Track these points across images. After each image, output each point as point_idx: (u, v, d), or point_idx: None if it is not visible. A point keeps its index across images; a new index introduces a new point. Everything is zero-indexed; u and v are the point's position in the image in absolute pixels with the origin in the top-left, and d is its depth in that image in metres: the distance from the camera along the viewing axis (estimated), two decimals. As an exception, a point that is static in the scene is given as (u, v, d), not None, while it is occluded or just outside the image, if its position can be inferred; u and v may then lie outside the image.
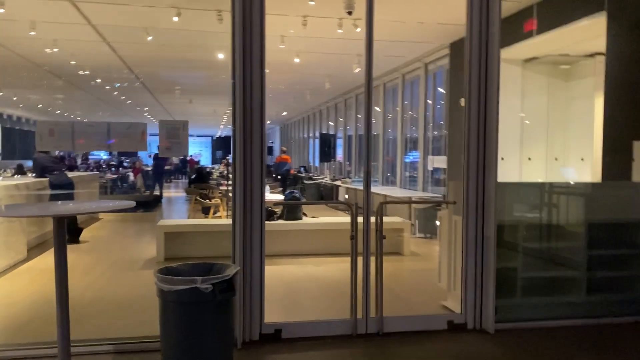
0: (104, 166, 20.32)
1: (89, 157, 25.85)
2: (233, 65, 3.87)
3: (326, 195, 15.34)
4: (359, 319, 4.16)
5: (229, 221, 7.84)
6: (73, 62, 10.51)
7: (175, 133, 3.78)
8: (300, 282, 6.09)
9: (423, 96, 10.71)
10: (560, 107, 8.26)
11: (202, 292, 3.11)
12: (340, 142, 16.79)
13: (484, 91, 4.27)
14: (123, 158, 32.08)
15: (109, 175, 16.55)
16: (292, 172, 19.52)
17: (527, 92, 8.22)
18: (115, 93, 15.22)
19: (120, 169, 19.85)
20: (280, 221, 7.41)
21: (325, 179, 15.09)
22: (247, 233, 3.96)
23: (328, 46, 9.51)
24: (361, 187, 11.78)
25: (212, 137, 39.32)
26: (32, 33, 8.14)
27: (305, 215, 7.79)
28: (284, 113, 20.30)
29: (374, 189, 11.28)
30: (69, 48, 9.55)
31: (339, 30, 7.75)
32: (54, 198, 8.04)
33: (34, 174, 8.36)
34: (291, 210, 7.47)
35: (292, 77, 12.70)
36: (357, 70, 10.31)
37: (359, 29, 7.78)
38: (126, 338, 3.86)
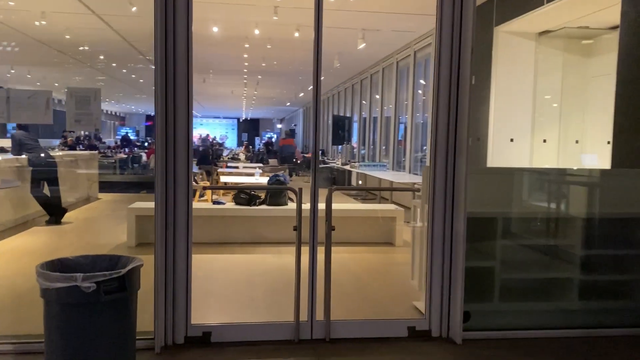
0: (113, 145, 20.24)
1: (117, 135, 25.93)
2: (155, 29, 3.33)
3: (338, 180, 14.76)
4: (302, 322, 3.62)
5: (209, 205, 7.45)
6: (68, 37, 10.17)
7: (84, 103, 3.29)
8: (255, 275, 5.46)
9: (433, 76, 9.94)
10: (579, 85, 7.43)
11: (84, 292, 2.62)
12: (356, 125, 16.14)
13: (456, 54, 3.62)
14: (149, 139, 32.25)
15: (121, 155, 16.38)
16: (298, 154, 18.99)
17: (542, 68, 7.42)
18: (124, 71, 14.91)
19: (136, 149, 19.72)
20: (263, 207, 6.90)
21: (337, 163, 14.49)
22: (169, 218, 3.45)
23: (327, 19, 8.85)
24: (370, 172, 11.17)
25: (238, 119, 39.08)
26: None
27: (291, 200, 7.25)
28: (301, 94, 19.67)
29: (381, 174, 10.66)
30: (62, 21, 9.20)
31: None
32: (35, 178, 7.75)
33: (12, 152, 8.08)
34: (275, 195, 6.94)
35: (298, 55, 12.09)
36: (362, 45, 9.65)
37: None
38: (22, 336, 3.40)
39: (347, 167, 12.93)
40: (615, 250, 4.09)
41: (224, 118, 39.13)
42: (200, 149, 18.20)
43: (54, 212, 7.85)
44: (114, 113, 38.60)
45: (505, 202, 4.05)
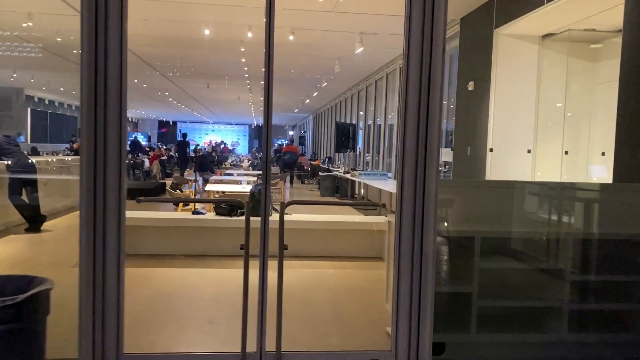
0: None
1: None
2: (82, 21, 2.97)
3: (343, 189, 14.36)
4: (250, 353, 3.22)
5: (189, 215, 7.10)
6: (59, 39, 9.97)
7: (4, 104, 2.94)
8: (222, 293, 4.99)
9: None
10: (586, 92, 6.95)
11: (-30, 320, 2.27)
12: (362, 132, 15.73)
13: (428, 51, 3.21)
14: (159, 144, 32.21)
15: (122, 161, 16.17)
16: (302, 161, 18.60)
17: (546, 74, 6.95)
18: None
19: (140, 154, 19.53)
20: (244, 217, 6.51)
21: (340, 171, 14.09)
22: (98, 230, 3.08)
23: (323, 22, 8.52)
24: (370, 181, 10.75)
25: (249, 125, 38.91)
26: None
27: (275, 210, 6.86)
28: (307, 101, 19.36)
29: (381, 183, 10.23)
30: (52, 23, 9.00)
31: (320, 0, 6.74)
32: (13, 183, 7.49)
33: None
34: (257, 205, 6.55)
35: (298, 61, 11.77)
36: (360, 49, 9.27)
37: (342, -1, 6.77)
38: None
39: (349, 176, 12.54)
40: (613, 275, 3.63)
41: (236, 124, 39.01)
42: (199, 154, 17.94)
43: (33, 219, 7.57)
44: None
45: (490, 220, 3.62)
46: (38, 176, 7.95)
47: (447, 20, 8.40)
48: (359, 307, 4.74)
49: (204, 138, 37.95)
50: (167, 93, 19.58)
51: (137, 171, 16.29)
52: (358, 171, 11.70)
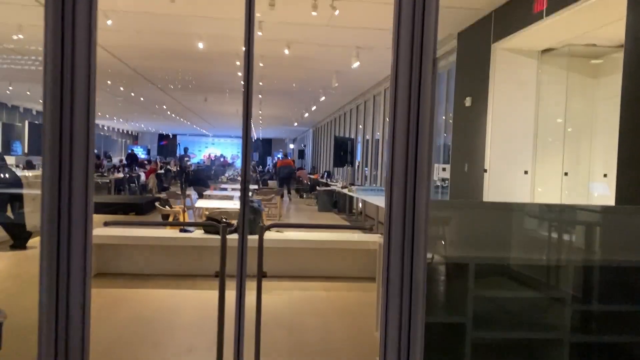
0: (116, 165, 19.89)
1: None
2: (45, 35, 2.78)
3: (341, 204, 14.16)
4: (225, 386, 2.99)
5: (176, 233, 6.88)
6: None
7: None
8: (206, 318, 4.72)
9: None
10: (586, 108, 6.77)
11: None
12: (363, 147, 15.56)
13: (417, 63, 3.01)
14: (158, 157, 32.08)
15: (117, 175, 15.97)
16: (301, 175, 18.40)
17: (545, 89, 6.77)
18: (122, 89, 14.60)
19: (137, 168, 19.37)
20: (234, 236, 6.30)
21: (338, 186, 13.90)
22: (62, 250, 2.86)
23: (319, 36, 8.38)
24: (366, 197, 10.52)
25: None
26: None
27: (267, 228, 6.65)
28: (306, 115, 19.22)
29: (378, 200, 10.02)
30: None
31: (314, 13, 6.58)
32: (-3, 197, 7.30)
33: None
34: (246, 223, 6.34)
35: (295, 74, 11.64)
36: (356, 64, 9.12)
37: (337, 12, 6.62)
38: None
39: (346, 191, 12.34)
40: (620, 304, 3.41)
41: (236, 138, 38.86)
42: (189, 169, 17.77)
43: (18, 236, 7.37)
44: (125, 131, 38.69)
45: (487, 244, 3.41)
46: (25, 191, 7.76)
47: (445, 35, 8.24)
48: (349, 335, 4.50)
49: (203, 151, 37.84)
50: (164, 106, 19.45)
51: (132, 185, 16.11)
52: (356, 186, 11.50)
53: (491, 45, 6.68)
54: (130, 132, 39.87)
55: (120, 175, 15.90)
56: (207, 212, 6.99)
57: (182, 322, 4.62)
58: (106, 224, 3.23)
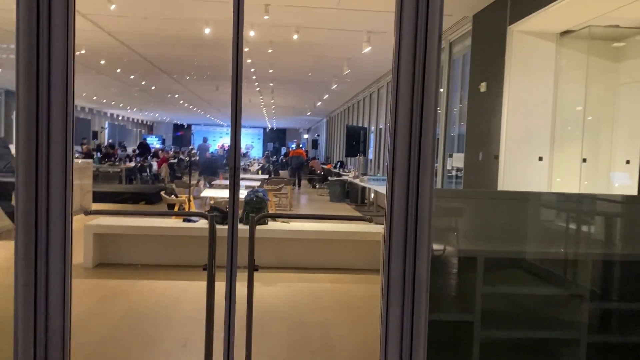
0: (129, 154, 19.86)
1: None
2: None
3: (353, 194, 13.92)
4: (214, 388, 2.81)
5: (179, 223, 6.72)
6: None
7: None
8: (202, 311, 4.61)
9: (446, 84, 9.06)
10: (607, 93, 6.44)
11: None
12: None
13: (422, 42, 2.77)
14: (173, 147, 32.16)
15: (129, 164, 15.91)
16: (314, 165, 18.19)
17: (564, 74, 6.45)
18: (132, 77, 14.48)
19: (149, 157, 19.32)
20: (239, 226, 6.11)
21: (350, 176, 13.66)
22: (40, 246, 2.69)
23: (328, 20, 8.12)
24: (377, 187, 10.30)
25: (264, 128, 38.64)
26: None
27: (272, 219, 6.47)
28: (319, 103, 18.95)
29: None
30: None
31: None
32: (2, 188, 7.20)
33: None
34: (252, 213, 6.15)
35: (305, 62, 11.39)
36: (367, 49, 8.84)
37: (345, -7, 6.35)
38: None
39: (358, 181, 12.11)
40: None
41: (250, 128, 38.76)
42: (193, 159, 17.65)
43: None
44: (140, 121, 38.79)
45: (493, 238, 3.17)
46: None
47: (459, 17, 7.90)
48: (352, 331, 4.30)
49: (218, 141, 37.79)
50: (176, 96, 19.33)
51: (144, 174, 16.04)
52: (368, 176, 11.26)
53: (507, 28, 6.37)
54: (145, 122, 39.98)
55: (132, 164, 15.83)
56: (211, 202, 6.81)
57: (180, 316, 4.46)
58: (86, 213, 3.04)
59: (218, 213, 6.08)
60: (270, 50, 9.78)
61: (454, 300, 3.11)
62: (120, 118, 33.84)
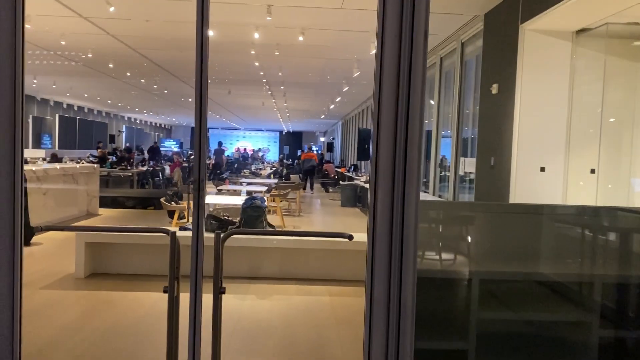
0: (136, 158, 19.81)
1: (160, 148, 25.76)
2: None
3: (364, 199, 13.62)
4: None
5: (177, 231, 6.49)
6: (63, 43, 9.61)
7: None
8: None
9: (458, 86, 8.72)
10: (627, 96, 6.06)
11: None
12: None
13: (408, 38, 2.50)
14: (190, 150, 32.17)
15: (141, 168, 15.82)
16: (328, 169, 17.92)
17: (580, 75, 6.09)
18: (143, 81, 14.39)
19: (163, 161, 19.24)
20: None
21: (362, 180, 13.37)
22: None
23: (334, 21, 7.86)
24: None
25: (280, 132, 38.50)
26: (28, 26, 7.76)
27: (271, 226, 6.22)
28: (332, 107, 18.68)
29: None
30: (55, 27, 8.64)
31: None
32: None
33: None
34: (249, 222, 5.92)
35: (315, 63, 11.13)
36: (374, 52, 8.53)
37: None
38: None
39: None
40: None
41: (267, 131, 38.67)
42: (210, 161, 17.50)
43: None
44: (158, 125, 38.95)
45: (501, 254, 2.87)
46: (30, 185, 7.54)
47: (470, 17, 7.55)
48: (346, 351, 4.01)
49: (234, 144, 37.77)
50: (190, 99, 19.24)
51: (156, 178, 15.94)
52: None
53: (519, 26, 6.03)
54: (163, 126, 40.14)
55: (144, 168, 15.74)
56: (210, 210, 6.60)
57: (162, 331, 4.22)
58: (37, 230, 2.82)
59: (213, 221, 5.86)
60: (277, 53, 9.55)
61: (447, 327, 2.81)
62: (138, 122, 34.01)
